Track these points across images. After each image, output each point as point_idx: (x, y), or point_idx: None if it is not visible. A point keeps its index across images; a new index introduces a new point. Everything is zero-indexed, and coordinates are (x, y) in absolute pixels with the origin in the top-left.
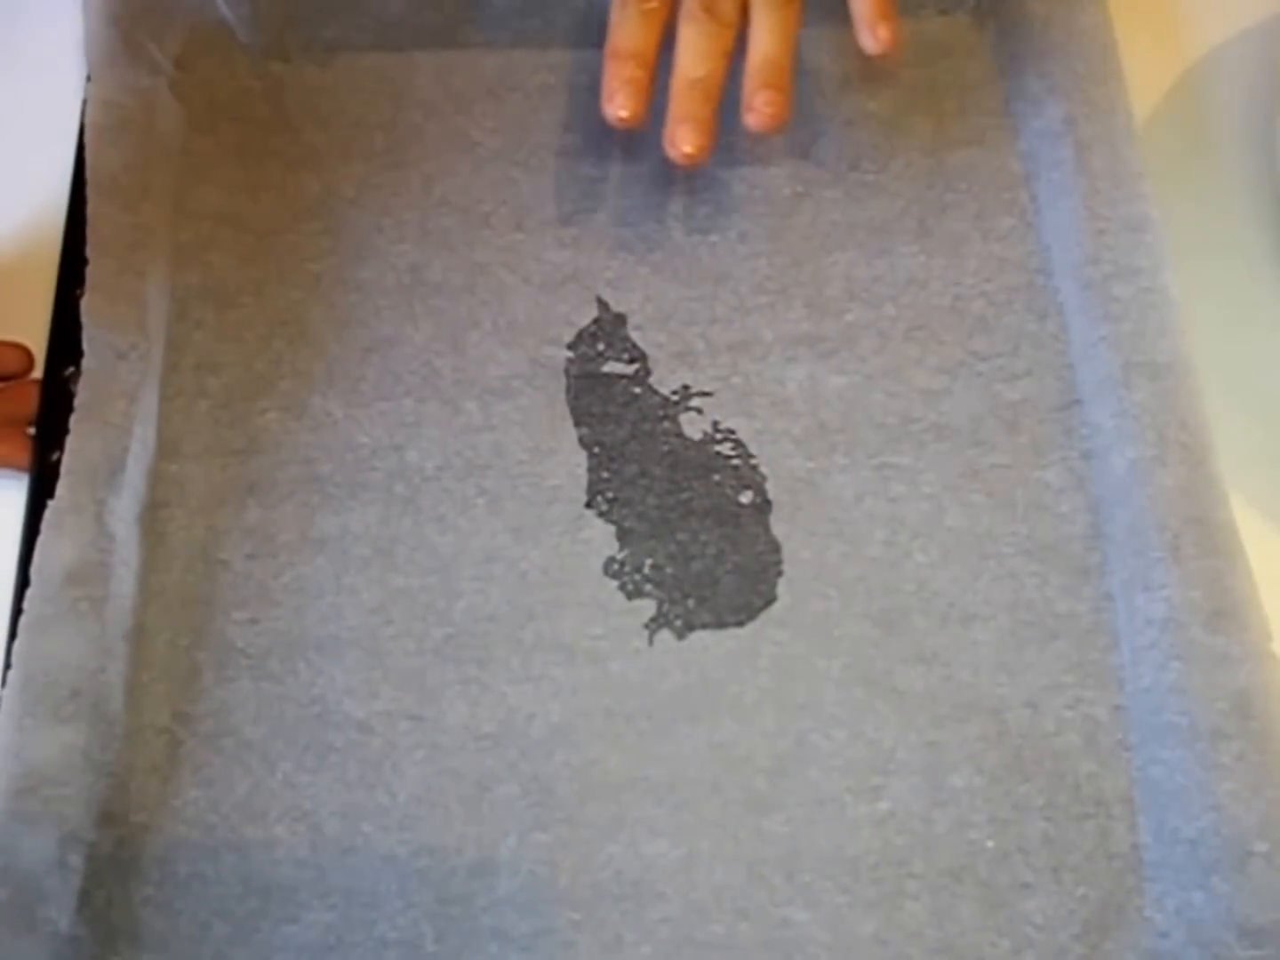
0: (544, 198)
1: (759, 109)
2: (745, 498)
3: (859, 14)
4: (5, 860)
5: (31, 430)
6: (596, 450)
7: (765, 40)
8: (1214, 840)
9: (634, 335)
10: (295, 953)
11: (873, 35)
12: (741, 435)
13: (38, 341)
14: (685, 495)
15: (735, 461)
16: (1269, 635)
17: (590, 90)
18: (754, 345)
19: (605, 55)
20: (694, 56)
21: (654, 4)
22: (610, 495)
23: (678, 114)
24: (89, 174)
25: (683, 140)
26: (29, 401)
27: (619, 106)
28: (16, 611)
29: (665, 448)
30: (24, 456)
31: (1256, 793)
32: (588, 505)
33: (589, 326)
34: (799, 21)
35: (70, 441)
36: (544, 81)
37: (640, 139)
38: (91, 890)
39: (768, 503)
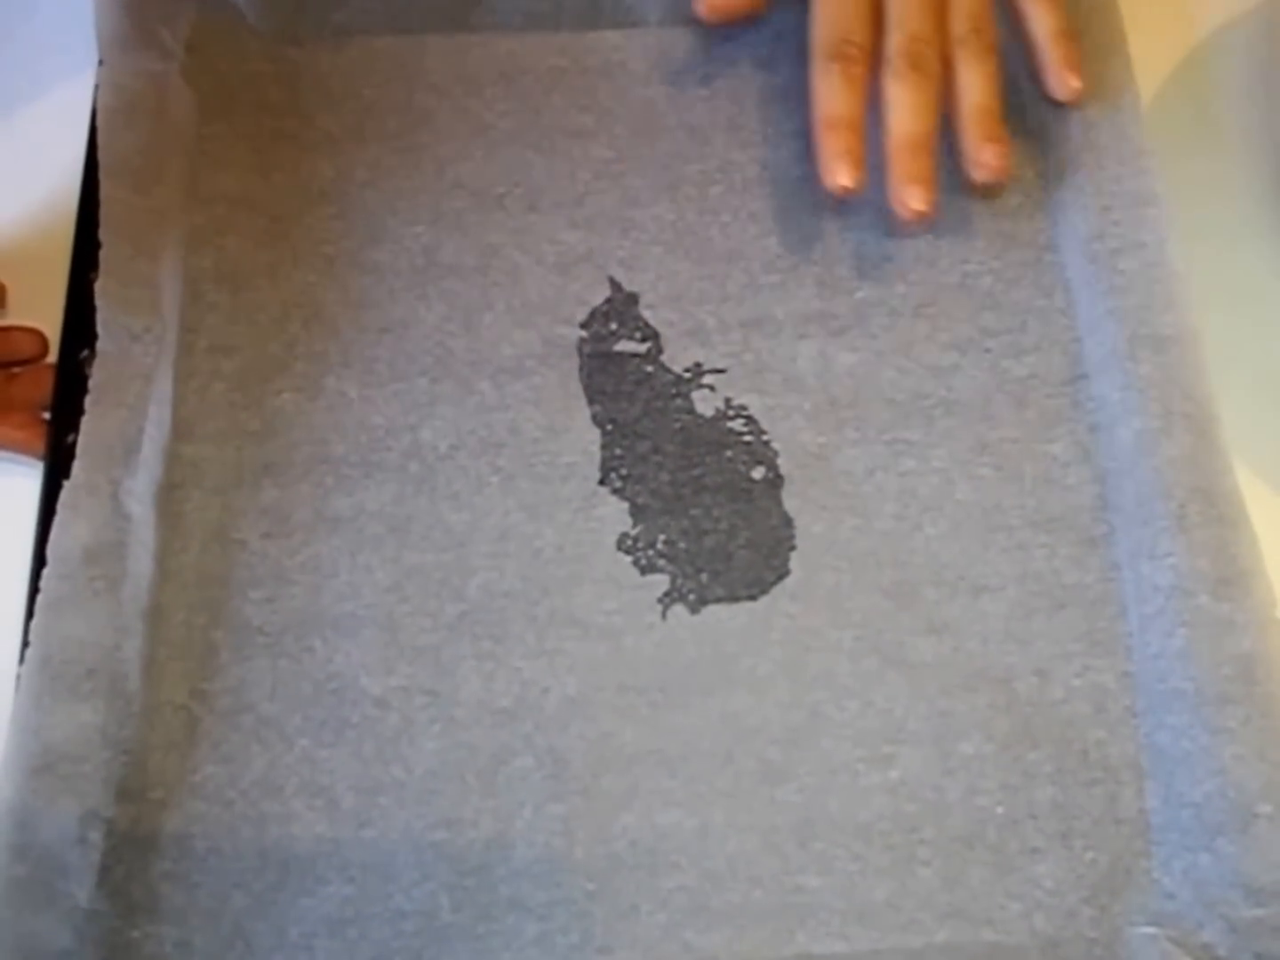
0: (557, 179)
1: (987, 163)
2: (757, 473)
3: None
4: (25, 837)
5: (47, 414)
6: (609, 428)
7: (975, 91)
8: (1220, 803)
9: (646, 314)
10: (313, 925)
11: (1062, 84)
12: (753, 412)
13: (52, 326)
14: (698, 471)
15: (747, 438)
16: (1274, 602)
17: (601, 71)
18: (765, 323)
19: (818, 123)
20: (908, 114)
21: (858, 69)
22: (623, 472)
23: (904, 175)
24: (101, 158)
25: (914, 199)
26: (44, 385)
27: (844, 178)
28: (34, 591)
29: (678, 425)
30: (39, 443)
31: (1261, 756)
32: (601, 482)
33: (601, 306)
34: (1002, 68)
35: (85, 423)
36: (555, 64)
37: (650, 120)
38: (111, 865)
39: (780, 478)
